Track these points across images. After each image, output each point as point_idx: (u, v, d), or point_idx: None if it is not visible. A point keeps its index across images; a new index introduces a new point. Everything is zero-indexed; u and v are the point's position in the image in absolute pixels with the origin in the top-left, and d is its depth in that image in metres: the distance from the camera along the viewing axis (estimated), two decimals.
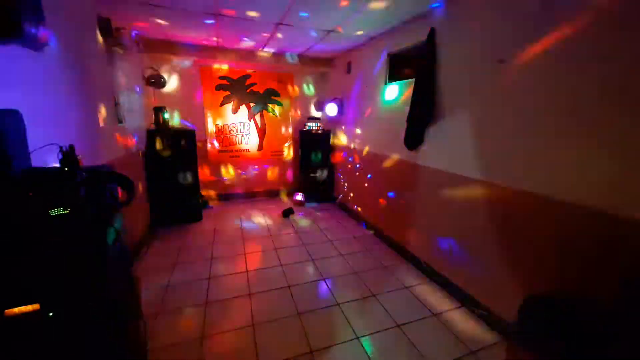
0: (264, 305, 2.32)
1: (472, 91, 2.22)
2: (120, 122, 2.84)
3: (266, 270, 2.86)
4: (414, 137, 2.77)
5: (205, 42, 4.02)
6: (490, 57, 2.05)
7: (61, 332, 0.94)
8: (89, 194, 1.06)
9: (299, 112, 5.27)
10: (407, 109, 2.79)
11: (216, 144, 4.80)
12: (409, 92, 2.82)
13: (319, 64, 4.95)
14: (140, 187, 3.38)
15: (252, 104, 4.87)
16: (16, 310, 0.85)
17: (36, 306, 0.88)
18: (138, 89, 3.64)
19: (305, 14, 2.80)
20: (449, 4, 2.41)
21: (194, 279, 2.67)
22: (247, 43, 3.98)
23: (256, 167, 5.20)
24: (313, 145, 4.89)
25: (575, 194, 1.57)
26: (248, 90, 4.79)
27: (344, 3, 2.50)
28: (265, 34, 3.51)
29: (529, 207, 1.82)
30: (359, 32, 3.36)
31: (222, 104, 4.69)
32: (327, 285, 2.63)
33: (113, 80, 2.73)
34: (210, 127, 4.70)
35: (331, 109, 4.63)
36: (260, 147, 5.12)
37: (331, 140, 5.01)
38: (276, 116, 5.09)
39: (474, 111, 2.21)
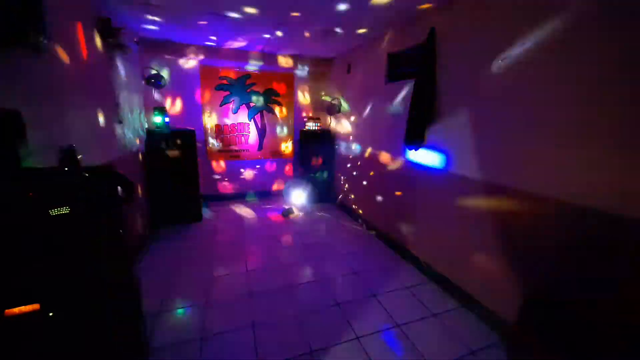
0: (264, 305, 2.32)
1: (472, 91, 2.22)
2: (120, 122, 2.84)
3: (266, 270, 2.86)
4: (414, 137, 2.77)
5: (205, 42, 4.02)
6: (490, 57, 2.05)
7: (61, 332, 0.94)
8: (88, 194, 1.06)
9: (299, 112, 5.26)
10: (408, 108, 2.79)
11: (216, 143, 4.79)
12: (409, 92, 2.82)
13: (319, 64, 4.95)
14: (140, 188, 3.38)
15: (252, 104, 4.87)
16: (16, 310, 0.85)
17: (36, 306, 0.88)
18: (138, 89, 3.64)
19: (303, 14, 2.80)
20: (449, 3, 2.41)
21: (194, 278, 2.67)
22: (247, 43, 3.98)
23: (256, 167, 5.20)
24: (313, 145, 4.89)
25: (576, 194, 1.57)
26: (248, 90, 4.79)
27: (343, 4, 2.50)
28: (265, 34, 3.51)
29: (529, 207, 1.82)
30: (359, 32, 3.36)
31: (222, 104, 4.68)
32: (327, 285, 2.63)
33: (113, 80, 2.73)
34: (210, 127, 4.70)
35: None
36: (260, 147, 5.12)
37: (331, 140, 5.01)
38: (276, 116, 5.10)
39: (475, 111, 2.21)
